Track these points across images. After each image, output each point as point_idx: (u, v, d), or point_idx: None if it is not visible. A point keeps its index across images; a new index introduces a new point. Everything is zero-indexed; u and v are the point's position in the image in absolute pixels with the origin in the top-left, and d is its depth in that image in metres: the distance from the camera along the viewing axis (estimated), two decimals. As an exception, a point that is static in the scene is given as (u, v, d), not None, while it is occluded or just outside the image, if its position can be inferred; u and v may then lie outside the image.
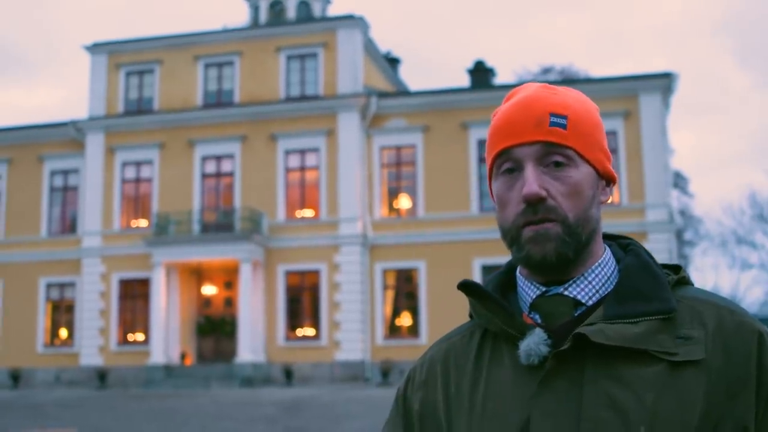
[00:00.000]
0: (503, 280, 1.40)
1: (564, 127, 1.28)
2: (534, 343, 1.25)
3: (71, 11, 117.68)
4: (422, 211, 30.74)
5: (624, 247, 1.40)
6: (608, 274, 1.32)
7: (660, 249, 27.58)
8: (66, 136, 34.08)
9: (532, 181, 1.26)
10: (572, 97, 1.33)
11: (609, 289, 1.31)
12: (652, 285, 1.28)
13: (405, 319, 30.79)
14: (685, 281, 1.34)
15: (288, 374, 28.87)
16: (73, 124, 33.61)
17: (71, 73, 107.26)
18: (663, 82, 30.19)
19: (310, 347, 30.36)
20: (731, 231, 54.64)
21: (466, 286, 1.37)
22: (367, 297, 30.54)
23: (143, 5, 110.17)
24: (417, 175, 31.09)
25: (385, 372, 28.39)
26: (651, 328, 1.23)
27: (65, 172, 34.32)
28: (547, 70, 49.71)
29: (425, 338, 29.56)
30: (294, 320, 30.93)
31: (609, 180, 1.36)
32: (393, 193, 31.78)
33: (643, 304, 1.25)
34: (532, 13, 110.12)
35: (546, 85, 1.35)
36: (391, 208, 31.76)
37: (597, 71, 77.21)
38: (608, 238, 1.42)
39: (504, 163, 1.31)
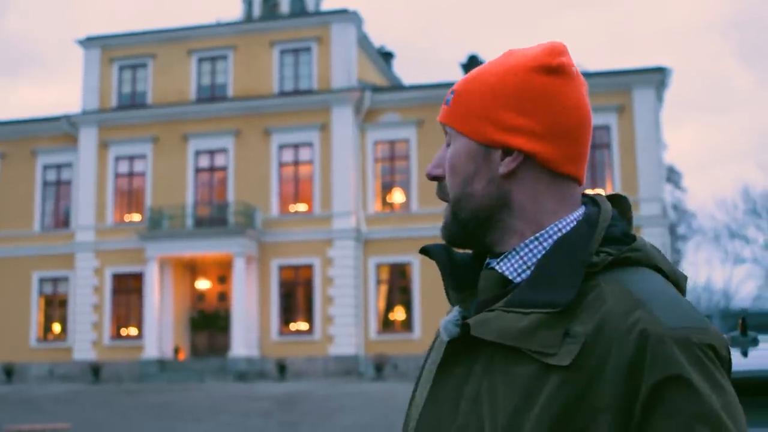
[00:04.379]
0: None
1: (448, 103, 1.25)
2: (447, 320, 1.21)
3: (78, 8, 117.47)
4: (416, 205, 30.76)
5: None
6: (548, 249, 1.18)
7: (653, 243, 27.61)
8: (59, 130, 33.99)
9: (432, 160, 1.28)
10: (490, 64, 1.25)
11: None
12: (561, 269, 1.13)
13: (398, 314, 30.82)
14: (632, 261, 1.16)
15: (281, 369, 28.87)
16: (67, 118, 33.53)
17: (77, 69, 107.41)
18: (656, 77, 30.22)
19: (304, 342, 30.38)
20: (724, 225, 54.76)
21: (426, 251, 1.34)
22: (360, 291, 30.56)
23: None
24: (411, 169, 31.09)
25: (379, 366, 28.40)
26: (536, 322, 1.10)
27: (58, 167, 34.24)
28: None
29: (419, 332, 29.60)
30: (287, 315, 30.94)
31: (508, 150, 1.20)
32: (387, 188, 31.79)
33: (541, 293, 1.12)
34: (532, 10, 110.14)
35: (510, 50, 1.29)
36: (384, 202, 31.77)
37: (597, 68, 77.17)
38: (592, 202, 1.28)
39: None
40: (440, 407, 1.17)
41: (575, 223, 1.22)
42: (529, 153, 1.19)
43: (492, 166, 1.21)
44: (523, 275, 1.19)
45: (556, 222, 1.21)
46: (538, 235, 1.20)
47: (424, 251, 1.33)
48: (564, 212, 1.22)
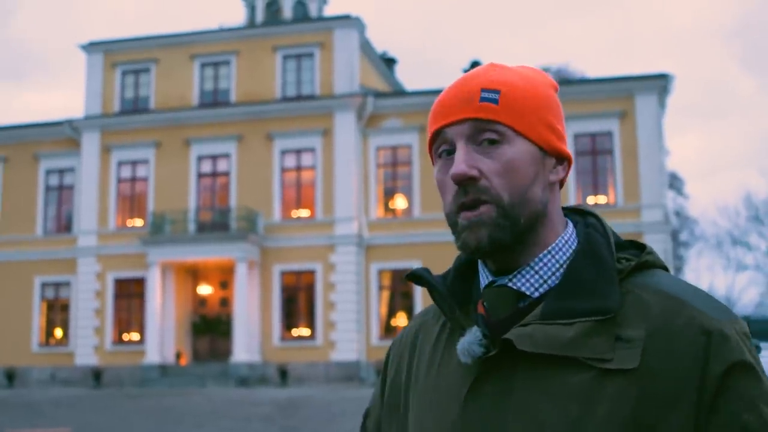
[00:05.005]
0: (470, 260, 1.31)
1: (495, 101, 1.19)
2: (468, 342, 1.18)
3: (83, 13, 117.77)
4: (418, 211, 30.75)
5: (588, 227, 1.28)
6: (561, 262, 1.21)
7: (655, 250, 27.51)
8: (62, 134, 34.03)
9: (460, 160, 1.17)
10: (517, 72, 1.24)
11: (559, 279, 1.20)
12: (595, 278, 1.17)
13: (400, 320, 30.78)
14: (649, 265, 1.22)
15: (283, 374, 28.85)
16: (69, 123, 33.57)
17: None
18: (659, 83, 30.21)
19: (306, 347, 30.35)
20: (726, 232, 54.77)
21: (414, 277, 1.30)
22: (362, 297, 30.54)
23: (139, 4, 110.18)
24: (413, 175, 31.10)
25: (380, 372, 28.32)
26: (585, 330, 1.12)
27: (61, 171, 34.27)
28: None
29: (421, 338, 29.56)
30: (289, 320, 30.93)
31: (561, 158, 1.24)
32: (389, 193, 31.79)
33: (581, 302, 1.15)
34: (533, 16, 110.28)
35: (494, 63, 1.27)
36: (386, 208, 31.76)
37: (598, 74, 77.23)
38: (580, 213, 1.31)
39: (440, 145, 1.23)
40: (477, 427, 1.16)
41: (576, 233, 1.25)
42: (570, 163, 1.26)
43: (544, 173, 1.22)
44: (540, 290, 1.20)
45: (562, 234, 1.24)
46: (550, 248, 1.22)
47: (415, 277, 1.30)
48: (563, 224, 1.26)
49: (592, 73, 66.31)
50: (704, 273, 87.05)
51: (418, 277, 1.30)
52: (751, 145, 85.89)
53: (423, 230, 30.19)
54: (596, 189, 30.01)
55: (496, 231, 1.17)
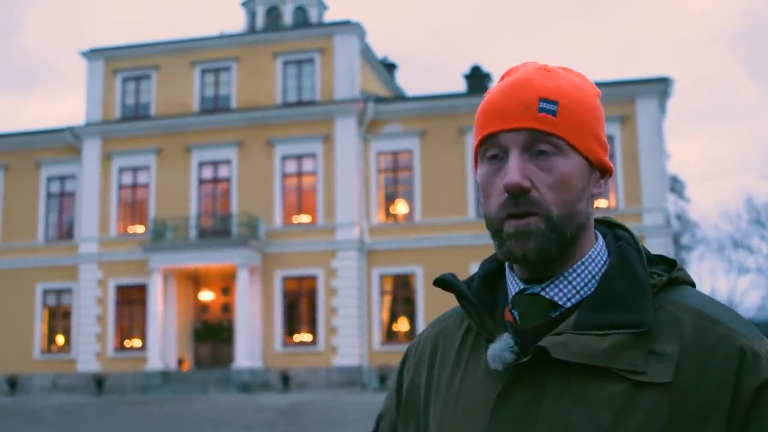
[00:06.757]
0: (495, 267, 1.32)
1: (554, 113, 1.17)
2: (499, 348, 1.19)
3: (89, 22, 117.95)
4: (419, 216, 30.74)
5: (618, 240, 1.29)
6: (593, 273, 1.22)
7: (655, 253, 27.59)
8: (63, 142, 34.06)
9: (514, 170, 1.16)
10: (569, 80, 1.23)
11: (591, 290, 1.21)
12: (629, 291, 1.18)
13: (402, 325, 30.77)
14: (679, 281, 1.23)
15: (285, 380, 28.83)
16: (70, 130, 33.59)
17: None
18: (659, 87, 30.22)
19: (308, 353, 30.33)
20: (728, 235, 54.70)
21: (442, 282, 1.31)
22: (364, 302, 30.52)
23: (140, 11, 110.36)
24: (414, 180, 31.09)
25: (383, 377, 28.34)
26: (619, 342, 1.13)
27: (62, 178, 34.30)
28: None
29: (422, 343, 29.52)
30: (291, 326, 30.90)
31: (603, 171, 1.26)
32: (390, 199, 31.78)
33: (616, 314, 1.15)
34: (535, 21, 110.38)
35: (543, 65, 1.25)
36: (388, 213, 31.75)
37: (601, 78, 77.30)
38: (607, 225, 1.33)
39: (489, 148, 1.21)
40: None
41: (606, 245, 1.26)
42: (611, 175, 1.27)
43: (589, 186, 1.24)
44: (573, 300, 1.21)
45: (595, 245, 1.25)
46: (584, 259, 1.23)
47: (442, 283, 1.32)
48: (594, 236, 1.27)
49: (594, 77, 66.29)
50: (706, 276, 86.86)
51: (445, 282, 1.31)
52: (753, 149, 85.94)
53: (424, 235, 30.17)
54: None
55: (543, 242, 1.18)
